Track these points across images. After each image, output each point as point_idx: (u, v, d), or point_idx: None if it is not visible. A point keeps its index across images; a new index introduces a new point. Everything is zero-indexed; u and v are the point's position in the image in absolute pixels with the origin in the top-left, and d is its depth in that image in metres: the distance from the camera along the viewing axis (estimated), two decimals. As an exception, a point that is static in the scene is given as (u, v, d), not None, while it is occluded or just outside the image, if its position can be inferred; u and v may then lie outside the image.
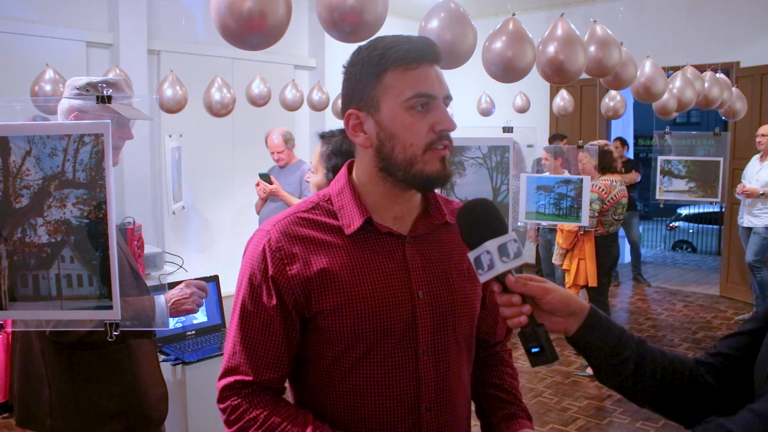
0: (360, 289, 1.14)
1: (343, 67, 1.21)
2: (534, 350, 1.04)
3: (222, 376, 1.19)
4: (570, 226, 4.46)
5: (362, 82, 1.15)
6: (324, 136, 1.98)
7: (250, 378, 1.16)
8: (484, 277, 1.06)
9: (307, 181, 2.08)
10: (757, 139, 5.72)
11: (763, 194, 5.51)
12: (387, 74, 1.13)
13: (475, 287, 1.27)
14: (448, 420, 1.22)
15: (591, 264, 4.59)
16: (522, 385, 4.12)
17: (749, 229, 5.82)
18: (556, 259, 4.94)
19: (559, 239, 4.78)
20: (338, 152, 1.91)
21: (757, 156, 5.83)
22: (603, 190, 4.52)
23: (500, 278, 1.06)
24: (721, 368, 1.11)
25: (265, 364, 1.16)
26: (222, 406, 1.17)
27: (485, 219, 1.08)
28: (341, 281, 1.14)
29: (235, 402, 1.15)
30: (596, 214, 4.47)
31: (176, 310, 1.88)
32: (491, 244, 1.04)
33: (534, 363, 1.05)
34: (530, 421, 1.33)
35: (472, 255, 1.07)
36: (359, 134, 1.18)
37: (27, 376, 1.93)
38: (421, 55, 1.13)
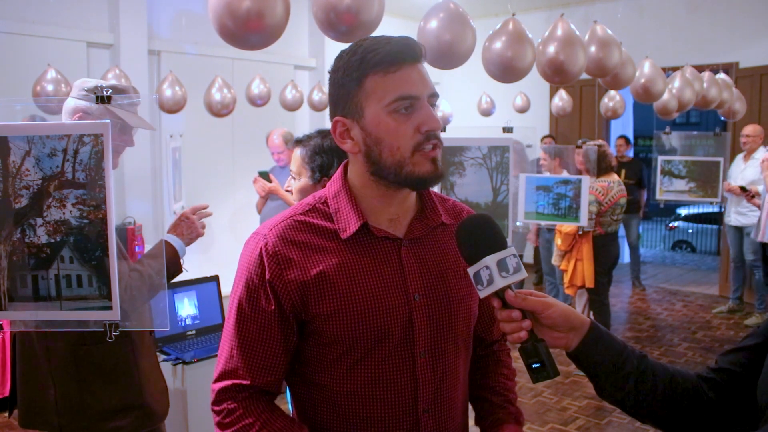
0: (356, 294, 1.14)
1: (329, 72, 1.19)
2: (535, 366, 1.03)
3: (218, 379, 1.19)
4: (568, 227, 4.46)
5: (345, 89, 1.14)
6: (301, 141, 2.00)
7: (248, 382, 1.16)
8: (483, 293, 1.05)
9: (288, 190, 2.08)
10: (742, 140, 5.79)
11: (748, 192, 5.53)
12: (368, 79, 1.11)
13: (472, 287, 1.26)
14: (445, 421, 1.22)
15: (588, 265, 4.58)
16: (522, 384, 4.11)
17: (738, 229, 5.88)
18: (555, 260, 4.94)
19: (558, 240, 4.78)
20: (321, 151, 1.93)
21: (741, 155, 5.90)
22: (600, 192, 4.51)
23: (500, 293, 1.05)
24: (722, 384, 1.10)
25: (262, 368, 1.16)
26: (217, 408, 1.17)
27: (484, 234, 1.07)
28: (338, 286, 1.14)
29: (231, 406, 1.15)
30: (593, 216, 4.46)
31: (189, 239, 2.08)
32: (490, 260, 1.03)
33: (535, 379, 1.04)
34: (519, 425, 1.31)
35: (471, 270, 1.06)
36: (347, 141, 1.17)
37: (29, 378, 1.93)
38: (400, 57, 1.11)
